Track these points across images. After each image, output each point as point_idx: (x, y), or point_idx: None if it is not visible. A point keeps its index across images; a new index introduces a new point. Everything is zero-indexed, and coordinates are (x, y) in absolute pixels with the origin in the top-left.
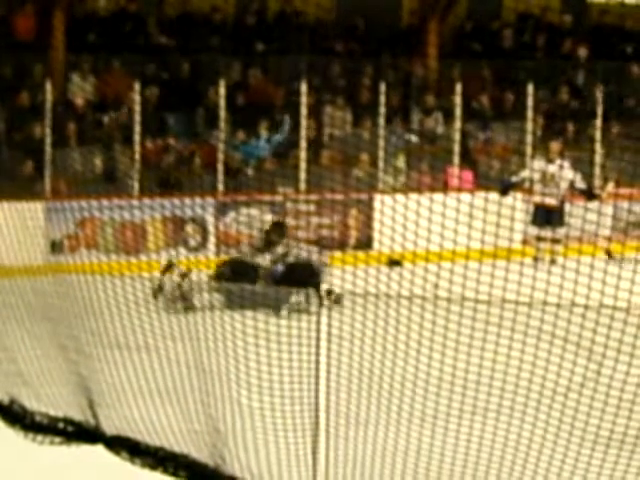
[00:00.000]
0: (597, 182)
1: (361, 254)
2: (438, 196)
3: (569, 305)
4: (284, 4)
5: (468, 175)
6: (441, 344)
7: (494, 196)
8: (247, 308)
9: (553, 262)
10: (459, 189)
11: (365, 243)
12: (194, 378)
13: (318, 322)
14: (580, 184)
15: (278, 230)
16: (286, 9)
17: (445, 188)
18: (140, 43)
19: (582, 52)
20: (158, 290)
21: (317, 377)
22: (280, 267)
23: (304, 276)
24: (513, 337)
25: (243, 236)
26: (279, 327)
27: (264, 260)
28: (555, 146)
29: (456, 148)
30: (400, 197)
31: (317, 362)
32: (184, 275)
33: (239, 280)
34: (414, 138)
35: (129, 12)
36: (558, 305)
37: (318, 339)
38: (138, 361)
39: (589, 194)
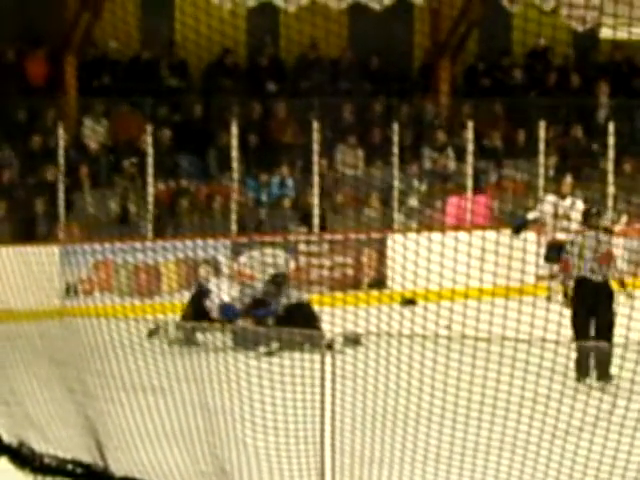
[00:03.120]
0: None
1: (375, 293)
2: (451, 235)
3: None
4: (298, 45)
5: (481, 201)
6: (442, 382)
7: (505, 235)
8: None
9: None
10: (475, 226)
11: (379, 282)
12: (200, 419)
13: (322, 362)
14: None
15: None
16: (300, 50)
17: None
18: (152, 86)
19: (597, 89)
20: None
21: (323, 416)
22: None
23: (304, 318)
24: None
25: (256, 277)
26: (282, 367)
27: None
28: (567, 183)
29: (469, 185)
30: (413, 236)
31: (322, 402)
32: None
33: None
34: (424, 187)
35: (142, 58)
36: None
37: (323, 379)
38: (144, 403)
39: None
